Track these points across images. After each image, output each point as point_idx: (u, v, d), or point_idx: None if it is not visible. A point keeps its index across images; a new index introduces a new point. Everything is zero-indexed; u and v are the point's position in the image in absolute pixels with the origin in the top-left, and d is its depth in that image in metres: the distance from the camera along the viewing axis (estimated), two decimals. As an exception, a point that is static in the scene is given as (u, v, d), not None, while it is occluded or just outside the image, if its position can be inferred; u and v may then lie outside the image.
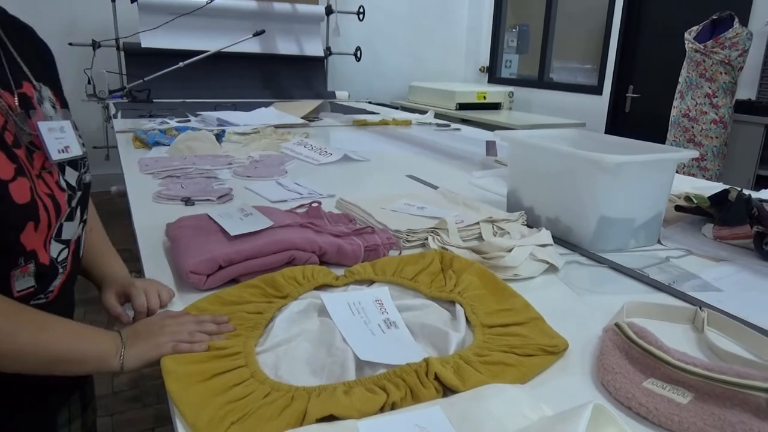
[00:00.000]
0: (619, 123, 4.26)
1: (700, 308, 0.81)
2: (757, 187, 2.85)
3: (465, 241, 1.11)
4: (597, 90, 4.38)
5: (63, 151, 0.70)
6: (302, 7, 4.29)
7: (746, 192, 1.22)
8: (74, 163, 0.74)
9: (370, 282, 0.88)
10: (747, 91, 3.04)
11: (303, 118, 2.89)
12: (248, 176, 1.62)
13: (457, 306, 0.79)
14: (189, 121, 2.74)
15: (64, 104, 0.78)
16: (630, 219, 1.11)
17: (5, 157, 0.62)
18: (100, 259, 0.86)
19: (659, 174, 1.11)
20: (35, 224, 0.65)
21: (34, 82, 0.73)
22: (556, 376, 0.67)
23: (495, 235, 1.14)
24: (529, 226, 1.20)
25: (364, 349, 0.65)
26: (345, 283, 0.86)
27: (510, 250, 0.95)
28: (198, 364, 0.63)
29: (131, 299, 0.78)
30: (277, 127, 2.56)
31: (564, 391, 0.64)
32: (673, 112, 2.99)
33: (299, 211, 1.21)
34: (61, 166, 0.72)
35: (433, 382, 0.59)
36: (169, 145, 2.00)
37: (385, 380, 0.59)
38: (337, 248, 0.95)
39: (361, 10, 4.53)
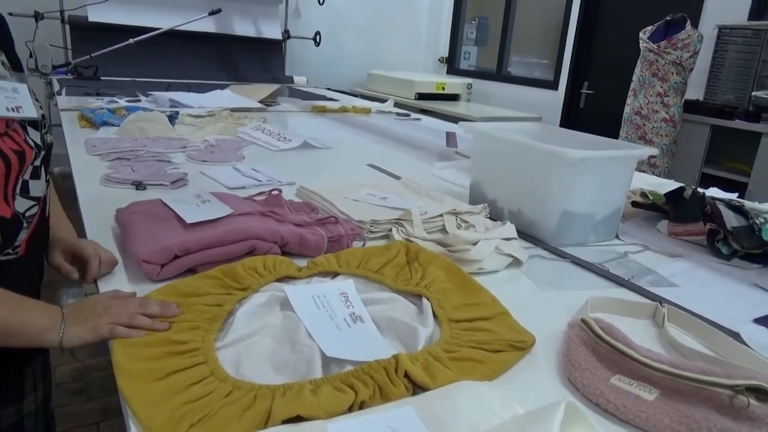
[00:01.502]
0: (574, 118, 4.36)
1: (661, 304, 0.82)
2: (702, 184, 2.96)
3: (429, 233, 1.10)
4: (553, 85, 4.46)
5: (13, 110, 0.70)
6: (260, -12, 4.18)
7: (700, 190, 1.25)
8: (35, 123, 0.75)
9: (334, 274, 0.85)
10: (695, 91, 3.15)
11: (260, 102, 2.82)
12: (204, 161, 1.56)
13: (424, 300, 0.77)
14: (139, 101, 2.63)
15: (19, 68, 0.83)
16: (591, 214, 1.12)
17: None
18: (52, 221, 0.87)
19: (620, 170, 1.13)
20: None
21: None
22: (523, 372, 0.66)
23: (459, 228, 1.13)
24: (491, 218, 1.20)
25: (331, 344, 0.63)
26: (308, 275, 0.83)
27: (475, 244, 0.95)
28: (153, 361, 0.59)
29: (83, 258, 0.81)
30: (233, 110, 2.48)
31: (532, 387, 0.63)
32: (626, 109, 3.07)
33: (258, 198, 1.16)
34: (23, 125, 0.73)
35: (402, 379, 0.57)
36: (118, 126, 1.91)
37: (354, 378, 0.57)
38: (299, 238, 0.92)
39: (322, -7, 4.45)
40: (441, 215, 1.15)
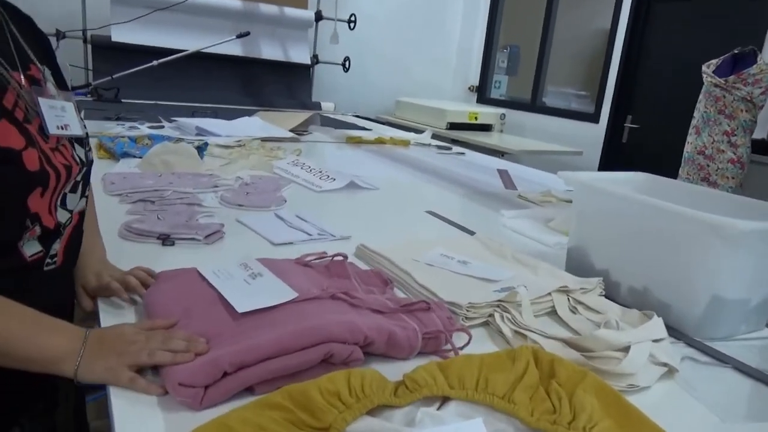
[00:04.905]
0: (615, 153, 4.11)
1: None
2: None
3: (536, 316, 0.85)
4: (594, 118, 4.22)
5: (62, 128, 0.74)
6: (290, 11, 4.00)
7: None
8: (80, 141, 0.79)
9: (442, 399, 0.61)
10: (759, 130, 2.90)
11: (291, 131, 2.61)
12: (240, 205, 1.33)
13: (589, 456, 0.52)
14: (163, 127, 2.43)
15: (65, 87, 0.81)
16: (745, 299, 0.87)
17: (16, 131, 0.66)
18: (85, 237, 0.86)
19: (785, 244, 0.88)
20: (42, 190, 0.69)
21: (39, 65, 0.77)
22: None
23: (574, 312, 0.88)
24: (606, 296, 0.95)
25: None
26: (409, 401, 0.59)
27: (623, 349, 0.70)
28: None
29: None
30: (263, 140, 2.26)
31: None
32: (687, 147, 2.83)
33: (315, 262, 0.93)
34: (70, 141, 0.76)
35: None
36: (140, 158, 1.69)
37: None
38: (387, 336, 0.68)
39: (353, 18, 4.27)
40: (549, 294, 0.90)
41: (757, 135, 2.83)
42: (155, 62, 3.04)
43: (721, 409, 0.68)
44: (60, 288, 0.78)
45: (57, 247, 0.75)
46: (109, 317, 0.75)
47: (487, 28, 5.32)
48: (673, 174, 2.97)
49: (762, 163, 2.83)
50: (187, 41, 3.50)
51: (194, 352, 0.61)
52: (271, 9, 3.93)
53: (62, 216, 0.75)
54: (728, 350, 0.84)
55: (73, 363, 0.60)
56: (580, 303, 0.90)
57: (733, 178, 2.67)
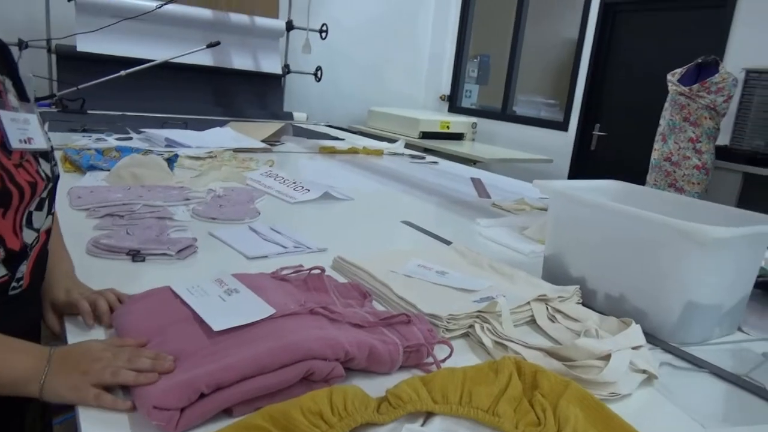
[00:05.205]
0: (584, 160, 4.19)
1: None
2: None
3: (516, 327, 0.85)
4: (563, 126, 4.30)
5: (25, 142, 0.70)
6: (261, 21, 3.98)
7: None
8: (45, 155, 0.75)
9: (426, 414, 0.60)
10: (721, 137, 2.98)
11: (263, 141, 2.58)
12: (212, 218, 1.30)
13: (576, 468, 0.52)
14: (131, 138, 2.37)
15: (26, 99, 0.77)
16: (719, 304, 0.89)
17: None
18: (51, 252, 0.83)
19: (755, 249, 0.90)
20: (4, 211, 0.66)
21: None
22: None
23: (552, 321, 0.89)
24: (583, 304, 0.96)
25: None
26: (393, 418, 0.58)
27: (603, 357, 0.70)
28: None
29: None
30: (235, 151, 2.23)
31: None
32: (654, 155, 2.89)
33: (292, 275, 0.91)
34: (35, 156, 0.72)
35: None
36: (108, 170, 1.65)
37: None
38: (367, 351, 0.66)
39: (324, 27, 4.26)
40: (528, 303, 0.90)
41: (720, 142, 2.92)
42: (123, 72, 2.99)
43: (701, 414, 0.68)
44: (27, 311, 0.75)
45: (24, 269, 0.72)
46: (76, 336, 0.72)
47: (458, 38, 5.39)
48: (640, 180, 3.04)
49: (725, 169, 2.91)
50: (156, 51, 3.45)
51: (159, 371, 0.59)
52: (241, 18, 3.90)
53: (28, 236, 0.71)
54: (703, 354, 0.85)
55: (37, 384, 0.58)
56: (559, 311, 0.90)
57: (699, 184, 2.74)
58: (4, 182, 0.65)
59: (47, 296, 0.79)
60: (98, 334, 0.73)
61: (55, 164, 0.79)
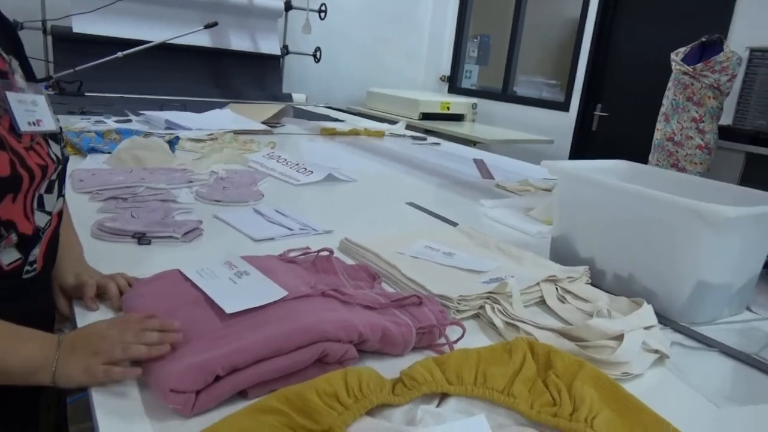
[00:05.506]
0: (585, 141, 4.16)
1: None
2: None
3: (526, 307, 0.85)
4: (564, 107, 4.27)
5: (34, 124, 0.69)
6: (260, 1, 3.92)
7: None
8: (54, 136, 0.73)
9: (441, 395, 0.59)
10: (724, 116, 2.96)
11: (264, 123, 2.56)
12: (217, 200, 1.29)
13: (592, 448, 0.52)
14: (130, 121, 2.35)
15: (33, 79, 0.75)
16: (729, 284, 0.88)
17: None
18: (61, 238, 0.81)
19: (765, 228, 0.89)
20: (14, 195, 0.65)
21: (5, 56, 0.70)
22: None
23: (562, 301, 0.88)
24: (592, 284, 0.95)
25: None
26: (408, 399, 0.57)
27: (615, 337, 0.70)
28: None
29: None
30: (236, 133, 2.22)
31: None
32: (657, 134, 2.87)
33: (300, 258, 0.90)
34: (45, 138, 0.71)
35: None
36: (109, 153, 1.63)
37: None
38: (381, 333, 0.66)
39: (323, 8, 4.21)
40: (538, 284, 0.90)
41: (723, 122, 2.90)
42: (120, 54, 2.95)
43: (713, 393, 0.68)
44: (42, 295, 0.74)
45: (36, 252, 0.71)
46: (86, 319, 0.72)
47: (458, 18, 5.32)
48: (642, 161, 3.03)
49: (728, 149, 2.90)
50: (153, 32, 3.40)
51: (169, 342, 0.59)
52: (239, -2, 3.85)
53: (41, 219, 0.70)
54: (712, 334, 0.85)
55: (49, 371, 0.57)
56: (569, 292, 0.89)
57: (701, 164, 2.73)
58: (15, 167, 0.63)
59: (56, 281, 0.78)
60: (108, 316, 0.73)
61: (65, 146, 0.78)
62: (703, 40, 2.73)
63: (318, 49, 4.34)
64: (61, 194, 0.76)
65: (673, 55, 2.78)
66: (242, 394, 0.57)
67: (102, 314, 0.73)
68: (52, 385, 0.58)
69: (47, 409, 0.81)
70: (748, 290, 0.94)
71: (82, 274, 0.77)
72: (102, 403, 0.56)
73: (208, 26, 3.29)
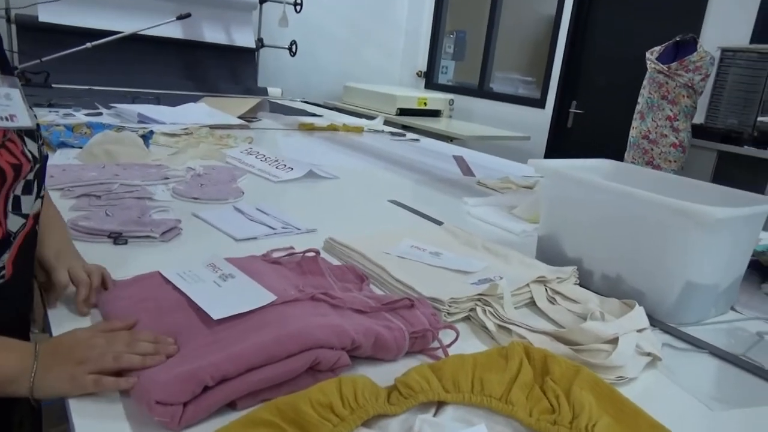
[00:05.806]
0: (561, 138, 4.20)
1: None
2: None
3: (516, 309, 0.84)
4: (540, 103, 4.30)
5: (7, 119, 0.64)
6: (234, -8, 3.85)
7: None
8: (31, 133, 0.69)
9: (438, 404, 0.58)
10: (696, 115, 3.01)
11: (240, 117, 2.51)
12: (195, 198, 1.25)
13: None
14: (101, 114, 2.28)
15: (8, 72, 0.69)
16: (716, 284, 0.89)
17: None
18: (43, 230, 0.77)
19: (752, 229, 0.90)
20: None
21: None
22: None
23: (552, 303, 0.87)
24: (580, 285, 0.95)
25: None
26: (404, 408, 0.56)
27: (609, 340, 0.69)
28: None
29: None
30: (212, 127, 2.16)
31: None
32: (632, 132, 2.91)
33: (285, 258, 0.88)
34: (20, 135, 0.67)
35: None
36: (79, 148, 1.57)
37: None
38: (373, 338, 0.64)
39: (299, 1, 4.14)
40: (527, 285, 0.89)
41: (696, 120, 2.95)
42: (89, 44, 2.85)
43: (705, 395, 0.68)
44: (10, 303, 0.70)
45: (5, 258, 0.67)
46: (61, 326, 0.68)
47: (434, 13, 5.31)
48: (618, 158, 3.06)
49: (700, 147, 2.95)
50: (124, 22, 3.30)
51: (164, 353, 0.57)
52: (212, -10, 3.76)
53: (14, 223, 0.66)
54: (700, 334, 0.85)
55: (26, 382, 0.54)
56: (558, 293, 0.89)
57: (675, 162, 2.77)
58: None
59: (36, 254, 0.75)
60: (85, 322, 0.69)
61: (43, 143, 0.74)
62: (677, 39, 2.77)
63: (294, 42, 4.28)
64: (39, 195, 0.72)
65: (648, 54, 2.81)
66: (231, 406, 0.54)
67: (83, 322, 0.69)
68: (29, 397, 0.54)
69: (20, 424, 0.77)
70: (734, 290, 0.94)
71: (64, 253, 0.74)
72: (78, 409, 0.53)
73: (180, 17, 3.21)
